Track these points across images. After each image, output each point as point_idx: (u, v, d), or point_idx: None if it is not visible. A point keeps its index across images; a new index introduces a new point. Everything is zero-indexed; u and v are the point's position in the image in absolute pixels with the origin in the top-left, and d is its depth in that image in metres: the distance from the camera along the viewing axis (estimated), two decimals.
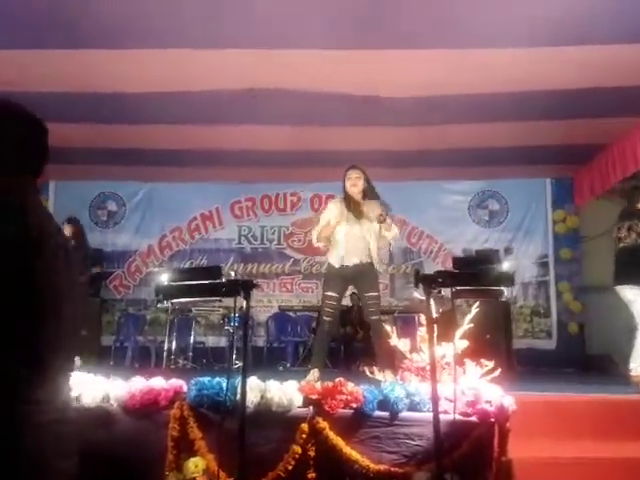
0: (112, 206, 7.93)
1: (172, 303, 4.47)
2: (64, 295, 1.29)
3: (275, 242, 7.99)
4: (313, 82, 4.99)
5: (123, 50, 4.49)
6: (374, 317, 3.95)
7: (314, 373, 3.81)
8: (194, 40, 4.36)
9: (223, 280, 2.37)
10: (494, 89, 5.00)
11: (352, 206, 4.00)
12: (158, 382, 2.70)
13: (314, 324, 7.06)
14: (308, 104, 5.27)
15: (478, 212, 7.82)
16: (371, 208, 3.97)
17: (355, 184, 4.01)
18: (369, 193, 4.06)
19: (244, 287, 2.33)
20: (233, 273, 6.58)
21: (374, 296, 3.98)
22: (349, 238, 3.97)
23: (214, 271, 2.42)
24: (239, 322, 6.30)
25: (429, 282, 2.20)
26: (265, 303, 7.53)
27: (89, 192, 7.90)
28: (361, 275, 3.98)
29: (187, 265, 7.65)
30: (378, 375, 3.06)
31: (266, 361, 6.61)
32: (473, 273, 2.23)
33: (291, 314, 7.34)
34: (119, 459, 2.55)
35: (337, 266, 3.98)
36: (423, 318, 2.99)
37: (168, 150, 6.53)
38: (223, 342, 7.11)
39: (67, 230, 5.32)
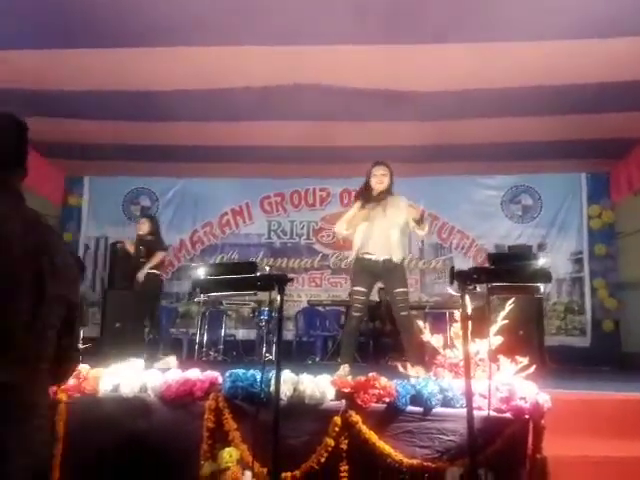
0: (145, 201, 8.08)
1: (208, 296, 4.56)
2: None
3: (304, 237, 8.03)
4: (344, 78, 5.00)
5: (154, 48, 4.58)
6: (403, 313, 3.92)
7: (344, 368, 3.80)
8: (225, 37, 4.42)
9: (258, 275, 2.41)
10: (528, 82, 4.93)
11: (376, 202, 3.97)
12: (194, 373, 2.76)
13: (343, 319, 7.08)
14: (339, 100, 5.28)
15: (511, 207, 7.70)
16: (397, 204, 3.97)
17: (381, 181, 3.98)
18: (392, 191, 4.03)
19: (279, 282, 2.36)
20: (268, 268, 6.65)
21: (403, 292, 3.95)
22: (372, 233, 3.94)
23: (249, 266, 2.46)
24: (269, 316, 6.39)
25: (464, 278, 2.19)
26: (294, 298, 7.58)
27: (123, 188, 8.06)
28: (388, 271, 3.95)
29: (218, 259, 7.76)
30: (410, 370, 3.06)
31: (295, 355, 6.66)
32: (509, 269, 2.20)
33: (320, 309, 7.36)
34: (156, 448, 2.62)
35: (364, 261, 3.96)
36: (455, 314, 2.99)
37: (199, 146, 6.63)
38: (253, 335, 7.18)
39: (145, 225, 5.45)
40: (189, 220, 7.97)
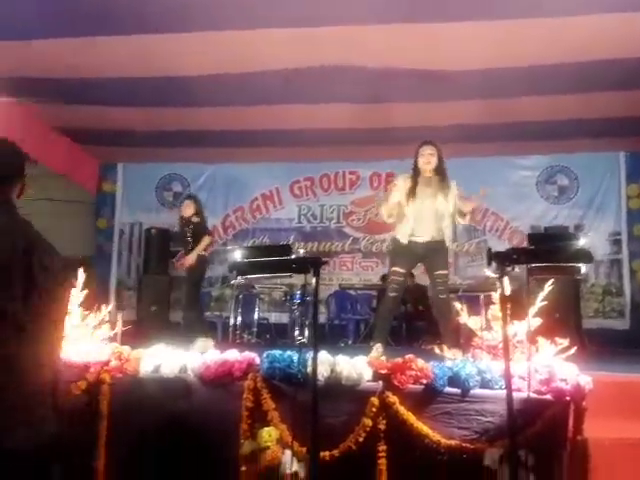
0: (177, 187, 8.19)
1: (245, 279, 4.61)
2: None
3: (334, 221, 8.02)
4: (375, 58, 4.93)
5: (181, 34, 4.59)
6: (442, 296, 3.86)
7: (377, 348, 3.77)
8: (252, 20, 4.39)
9: (293, 257, 2.43)
10: (563, 59, 4.78)
11: (424, 183, 3.90)
12: (232, 354, 2.80)
13: (374, 302, 7.08)
14: (369, 81, 5.23)
15: (547, 188, 7.52)
16: (447, 190, 3.89)
17: (429, 161, 3.88)
18: (441, 171, 3.94)
19: (313, 264, 2.37)
20: (302, 251, 6.69)
21: (443, 274, 3.89)
22: (420, 214, 3.85)
23: (285, 249, 2.48)
24: (301, 299, 6.45)
25: (503, 259, 2.16)
26: (326, 281, 7.57)
27: (155, 174, 8.17)
28: (432, 252, 3.88)
29: (250, 244, 7.82)
30: (446, 353, 3.04)
31: (328, 338, 6.70)
32: (550, 250, 2.16)
33: (351, 292, 7.38)
34: (196, 428, 2.69)
35: (405, 242, 3.88)
36: (493, 296, 2.95)
37: (229, 131, 6.66)
38: (285, 318, 7.24)
39: (190, 208, 5.37)
40: (221, 205, 8.04)
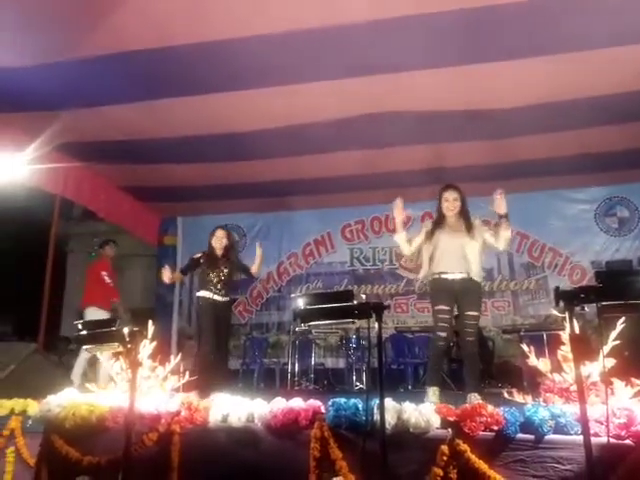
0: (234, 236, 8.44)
1: (309, 326, 4.63)
2: None
3: (387, 262, 8.01)
4: (421, 102, 5.02)
5: (235, 92, 4.82)
6: (470, 338, 3.82)
7: (434, 392, 3.72)
8: (301, 75, 4.59)
9: (355, 303, 2.46)
10: (618, 89, 4.72)
11: (449, 225, 4.01)
12: (297, 402, 2.82)
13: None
14: (419, 124, 5.31)
15: (606, 220, 7.28)
16: (470, 227, 3.97)
17: (453, 207, 4.02)
18: (465, 214, 4.04)
19: (375, 309, 2.41)
20: (364, 296, 6.70)
21: (474, 316, 3.85)
22: (447, 254, 3.92)
23: (346, 295, 2.51)
24: (357, 344, 6.42)
25: (571, 298, 2.12)
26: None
27: (213, 225, 8.31)
28: (464, 291, 3.88)
29: (304, 289, 7.90)
30: (517, 397, 2.95)
31: (386, 383, 6.55)
32: (621, 286, 2.10)
33: (408, 335, 7.27)
34: (265, 477, 2.70)
35: (440, 280, 3.92)
36: (561, 336, 2.87)
37: (282, 181, 6.86)
38: (342, 363, 7.21)
39: (221, 236, 5.24)
40: (275, 252, 8.19)
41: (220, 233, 5.25)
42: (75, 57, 4.26)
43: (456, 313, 4.00)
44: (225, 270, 5.10)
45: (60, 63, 4.32)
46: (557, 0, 3.73)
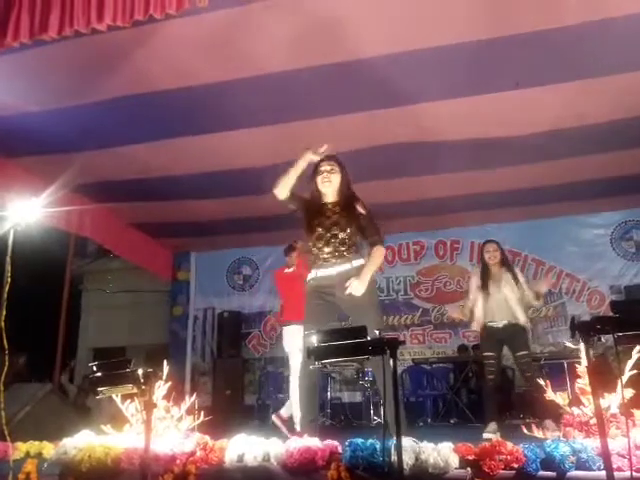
0: (247, 270, 8.47)
1: (322, 364, 4.55)
2: None
3: (402, 292, 7.96)
4: (437, 132, 5.07)
5: (247, 129, 4.93)
6: (528, 374, 4.44)
7: (491, 425, 4.33)
8: (316, 111, 4.68)
9: (369, 339, 2.44)
10: (630, 114, 4.73)
11: (492, 275, 4.60)
12: (313, 442, 2.77)
13: (451, 376, 6.83)
14: (428, 154, 5.35)
15: (622, 245, 7.22)
16: (513, 276, 4.56)
17: (495, 257, 4.62)
18: (506, 262, 4.69)
19: (390, 345, 2.38)
20: (378, 332, 6.63)
21: (524, 355, 4.46)
22: (493, 303, 4.52)
23: (360, 330, 2.49)
24: (373, 377, 6.32)
25: (587, 329, 2.08)
26: (398, 356, 7.42)
27: (225, 259, 8.52)
28: (512, 335, 4.48)
29: None
30: (536, 432, 2.88)
31: (404, 417, 6.45)
32: (636, 316, 2.06)
33: (426, 366, 7.17)
34: None
35: (489, 329, 4.52)
36: (578, 367, 2.81)
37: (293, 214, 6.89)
38: (358, 397, 7.11)
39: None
40: None
41: None
42: (91, 100, 4.38)
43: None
44: None
45: (77, 107, 4.45)
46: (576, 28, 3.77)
